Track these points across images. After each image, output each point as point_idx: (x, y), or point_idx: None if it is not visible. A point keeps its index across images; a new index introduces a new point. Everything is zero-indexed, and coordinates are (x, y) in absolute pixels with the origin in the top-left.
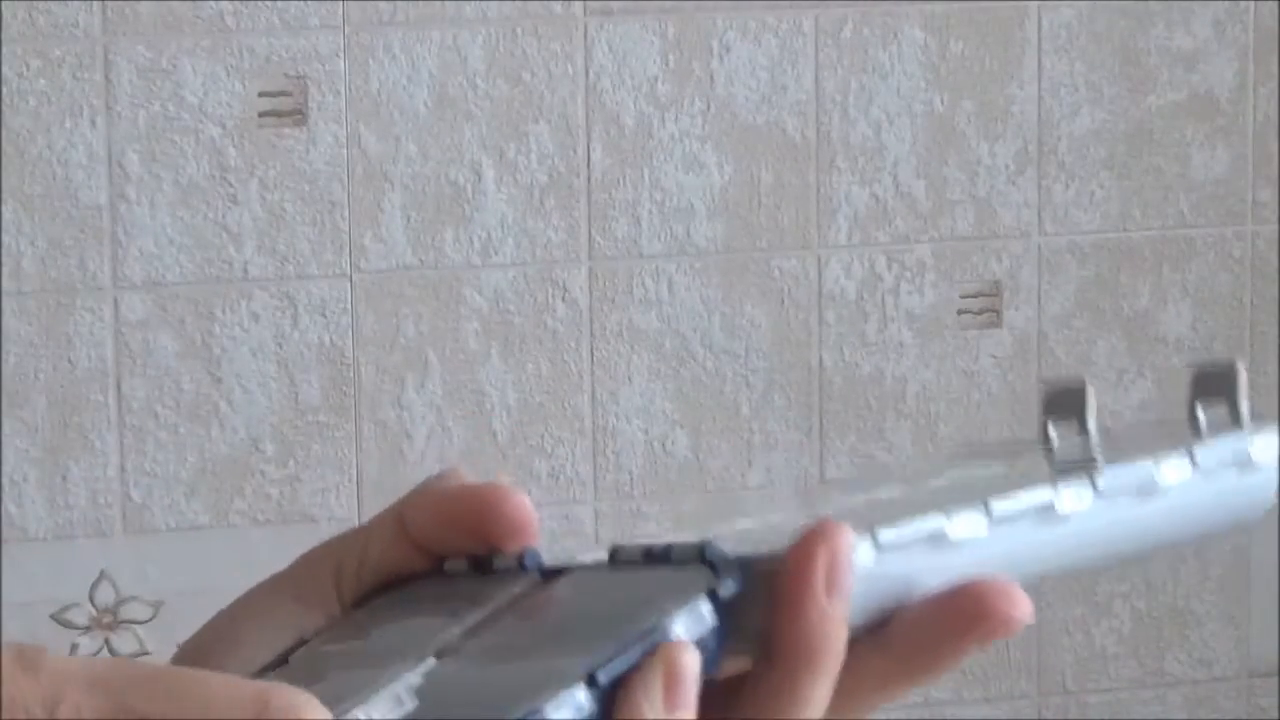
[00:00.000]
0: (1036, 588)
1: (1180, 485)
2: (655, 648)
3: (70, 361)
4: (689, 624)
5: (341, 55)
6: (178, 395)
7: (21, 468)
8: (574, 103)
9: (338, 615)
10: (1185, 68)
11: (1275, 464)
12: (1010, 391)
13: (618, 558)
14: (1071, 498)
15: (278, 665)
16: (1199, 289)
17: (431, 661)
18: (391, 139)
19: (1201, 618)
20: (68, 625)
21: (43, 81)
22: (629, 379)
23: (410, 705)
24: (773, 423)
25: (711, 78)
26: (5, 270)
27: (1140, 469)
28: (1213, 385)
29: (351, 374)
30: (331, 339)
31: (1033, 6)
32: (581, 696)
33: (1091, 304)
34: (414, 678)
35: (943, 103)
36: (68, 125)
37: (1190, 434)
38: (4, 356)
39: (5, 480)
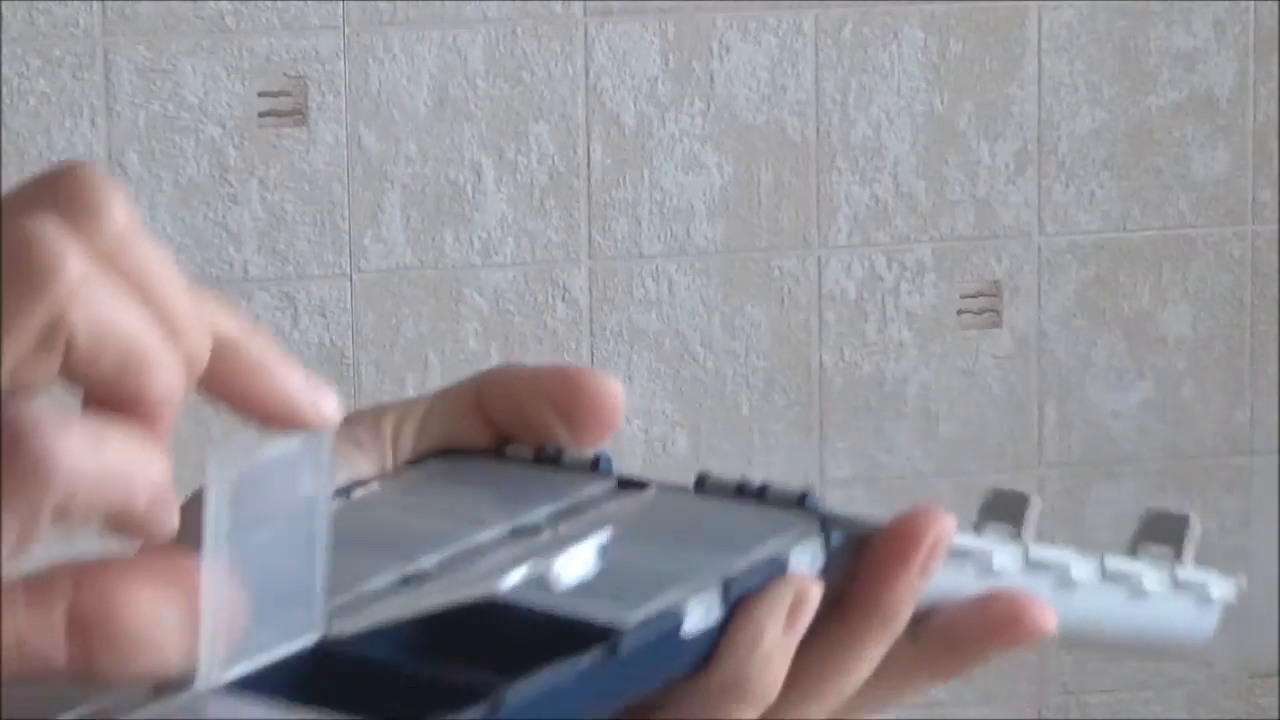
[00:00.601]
0: None
1: (1158, 593)
2: (783, 574)
3: None
4: (807, 560)
5: (341, 55)
6: None
7: None
8: (574, 103)
9: (389, 470)
10: (1185, 68)
11: (1223, 607)
12: (1010, 391)
13: (705, 485)
14: (1085, 568)
15: (334, 497)
16: (1199, 289)
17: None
18: (391, 139)
19: None
20: None
21: (43, 81)
22: (629, 379)
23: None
24: (773, 423)
25: (711, 78)
26: None
27: (1134, 566)
28: (1162, 531)
29: (351, 374)
30: (331, 339)
31: (1033, 6)
32: (715, 602)
33: (1091, 304)
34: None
35: (943, 103)
36: (68, 125)
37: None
38: None
39: None
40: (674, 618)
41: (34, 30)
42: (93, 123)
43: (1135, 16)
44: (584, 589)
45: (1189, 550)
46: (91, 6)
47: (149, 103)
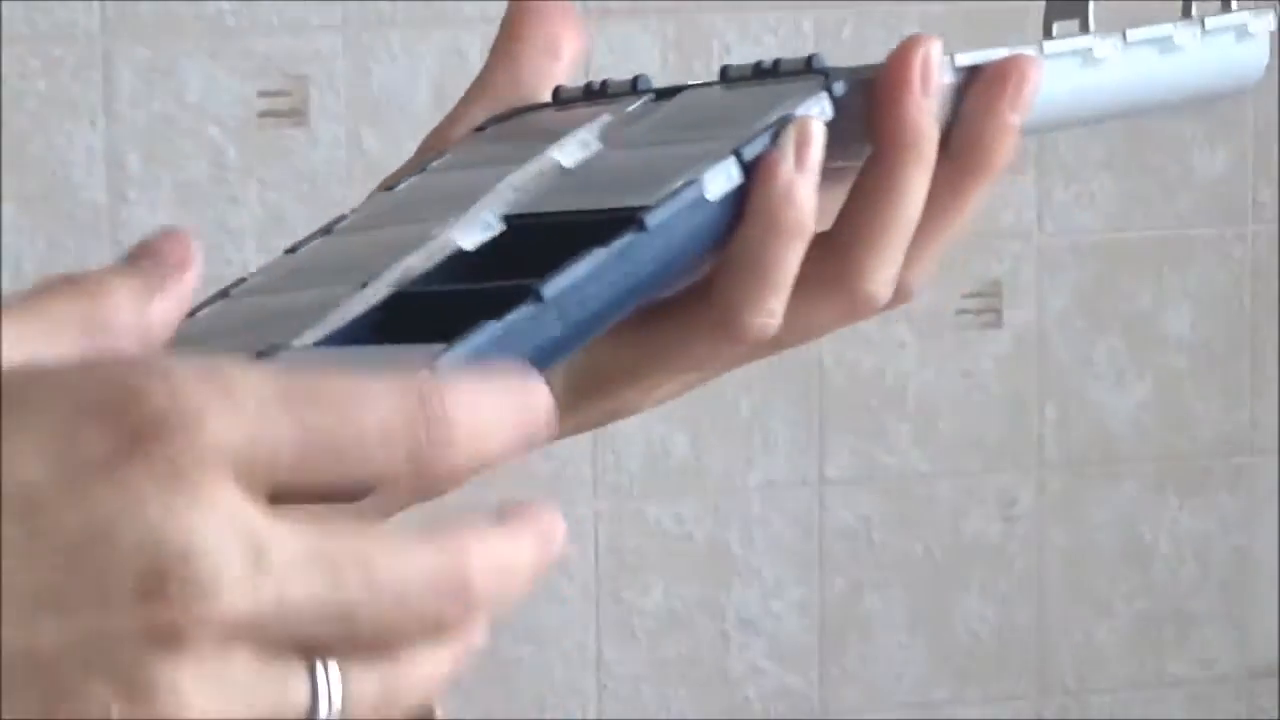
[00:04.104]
0: (1039, 591)
1: (1191, 45)
2: (789, 124)
3: None
4: (815, 112)
5: (341, 55)
6: None
7: None
8: None
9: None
10: None
11: (1268, 37)
12: (1010, 391)
13: (729, 75)
14: (1106, 46)
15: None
16: (1199, 289)
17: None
18: (391, 139)
19: (1201, 618)
20: None
21: (43, 81)
22: None
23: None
24: (773, 423)
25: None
26: (5, 270)
27: (1160, 29)
28: None
29: None
30: None
31: (1033, 6)
32: (733, 168)
33: (1091, 304)
34: (561, 156)
35: None
36: (68, 125)
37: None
38: None
39: None
40: (696, 187)
41: (34, 30)
42: (92, 123)
43: (1135, 17)
44: (605, 186)
45: None
46: (91, 6)
47: (149, 103)
